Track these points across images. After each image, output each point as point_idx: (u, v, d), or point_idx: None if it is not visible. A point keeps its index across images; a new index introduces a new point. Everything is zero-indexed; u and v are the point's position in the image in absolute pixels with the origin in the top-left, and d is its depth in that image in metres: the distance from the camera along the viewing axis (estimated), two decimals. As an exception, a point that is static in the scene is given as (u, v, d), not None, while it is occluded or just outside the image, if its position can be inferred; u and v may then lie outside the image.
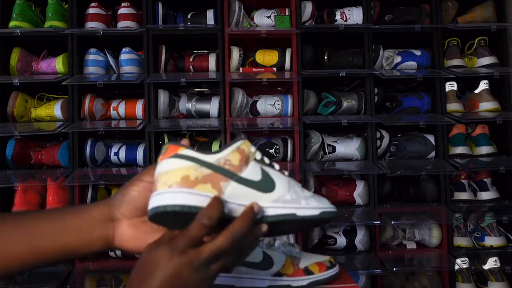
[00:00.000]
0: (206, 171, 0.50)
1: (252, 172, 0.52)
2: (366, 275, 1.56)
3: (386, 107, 1.74)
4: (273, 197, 0.51)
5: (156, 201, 0.48)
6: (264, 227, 0.50)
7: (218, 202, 0.48)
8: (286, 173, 0.56)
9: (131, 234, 0.52)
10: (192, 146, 1.71)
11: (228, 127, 1.59)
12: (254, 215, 0.49)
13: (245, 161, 0.52)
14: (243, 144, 0.53)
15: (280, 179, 0.53)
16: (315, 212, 0.52)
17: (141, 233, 0.52)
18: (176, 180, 0.48)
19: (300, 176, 1.55)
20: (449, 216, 1.58)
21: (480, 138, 1.70)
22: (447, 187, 1.64)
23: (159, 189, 0.48)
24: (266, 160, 0.55)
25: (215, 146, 1.62)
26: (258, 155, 0.54)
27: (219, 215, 0.47)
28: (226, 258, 0.48)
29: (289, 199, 0.52)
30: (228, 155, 0.51)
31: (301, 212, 0.51)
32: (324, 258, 0.78)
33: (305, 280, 0.73)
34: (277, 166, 0.55)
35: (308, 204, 0.52)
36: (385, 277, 1.65)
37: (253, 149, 0.53)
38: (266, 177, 0.52)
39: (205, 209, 0.47)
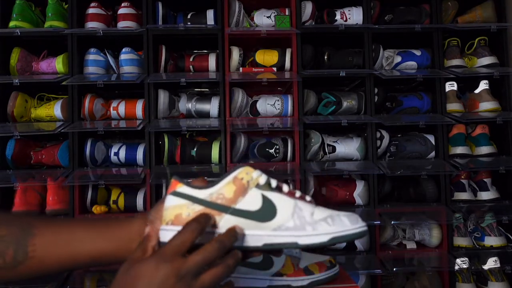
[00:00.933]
0: (198, 207, 0.52)
1: (250, 201, 0.52)
2: (366, 275, 1.56)
3: (386, 107, 1.74)
4: (273, 226, 0.51)
5: (160, 236, 0.52)
6: (238, 254, 0.51)
7: (206, 214, 0.50)
8: (298, 193, 0.54)
9: None
10: (192, 146, 1.71)
11: (228, 127, 1.59)
12: (237, 233, 0.50)
13: (242, 191, 0.52)
14: (242, 173, 0.53)
15: (284, 205, 0.52)
16: (323, 238, 0.50)
17: None
18: (170, 218, 0.52)
19: (300, 176, 1.56)
20: (449, 216, 1.58)
21: (480, 138, 1.70)
22: (447, 187, 1.64)
23: (161, 226, 0.53)
24: (273, 183, 0.54)
25: (215, 146, 1.62)
26: (262, 180, 0.53)
27: (208, 224, 0.50)
28: (213, 275, 0.48)
29: (292, 226, 0.51)
30: (221, 188, 0.52)
31: (303, 240, 0.50)
32: (324, 258, 0.78)
33: (305, 280, 0.73)
34: (285, 188, 0.54)
35: (315, 231, 0.51)
36: (385, 277, 1.65)
37: (255, 174, 0.53)
38: (267, 205, 0.52)
39: (196, 217, 0.50)
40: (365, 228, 0.52)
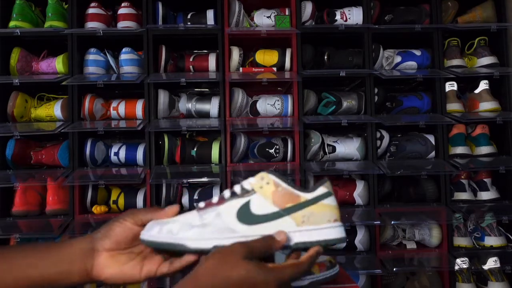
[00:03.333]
0: None
1: None
2: (366, 275, 1.56)
3: (386, 107, 1.74)
4: None
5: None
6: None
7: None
8: None
9: (108, 263, 0.54)
10: (192, 146, 1.71)
11: (228, 127, 1.59)
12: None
13: None
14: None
15: None
16: None
17: (117, 263, 0.55)
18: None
19: (300, 176, 1.56)
20: (449, 216, 1.58)
21: (480, 138, 1.70)
22: (447, 187, 1.64)
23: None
24: None
25: (215, 146, 1.62)
26: None
27: None
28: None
29: None
30: None
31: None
32: (324, 258, 0.78)
33: (305, 280, 0.73)
34: None
35: None
36: (385, 277, 1.65)
37: None
38: None
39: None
40: None
